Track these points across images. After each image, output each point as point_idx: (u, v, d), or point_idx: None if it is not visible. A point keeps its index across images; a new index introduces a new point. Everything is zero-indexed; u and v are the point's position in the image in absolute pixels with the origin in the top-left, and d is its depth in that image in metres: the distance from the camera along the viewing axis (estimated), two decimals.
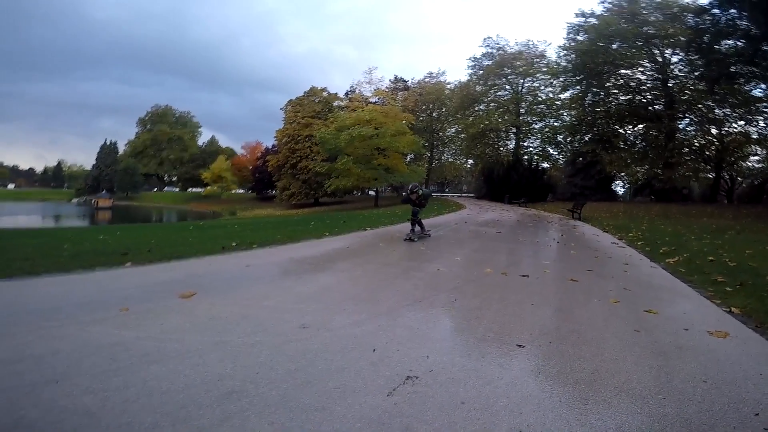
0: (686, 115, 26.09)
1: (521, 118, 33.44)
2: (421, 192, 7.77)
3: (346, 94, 39.21)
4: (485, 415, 1.70)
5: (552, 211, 19.73)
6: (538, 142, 34.64)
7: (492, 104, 34.53)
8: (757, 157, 25.90)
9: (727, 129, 25.19)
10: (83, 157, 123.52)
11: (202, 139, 77.82)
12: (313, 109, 36.97)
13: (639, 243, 8.25)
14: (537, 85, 33.41)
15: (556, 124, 33.20)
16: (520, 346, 2.50)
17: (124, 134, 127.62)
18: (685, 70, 25.00)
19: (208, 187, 56.59)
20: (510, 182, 29.43)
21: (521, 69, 32.63)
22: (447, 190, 51.57)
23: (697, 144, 26.40)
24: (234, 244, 6.27)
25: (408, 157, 34.46)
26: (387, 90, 37.24)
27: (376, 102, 31.78)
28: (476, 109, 34.59)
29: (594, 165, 27.49)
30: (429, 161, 40.98)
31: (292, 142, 36.05)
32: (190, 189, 71.13)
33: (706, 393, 1.96)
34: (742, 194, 27.75)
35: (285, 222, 12.35)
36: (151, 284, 3.71)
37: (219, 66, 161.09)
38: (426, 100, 38.95)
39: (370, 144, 25.43)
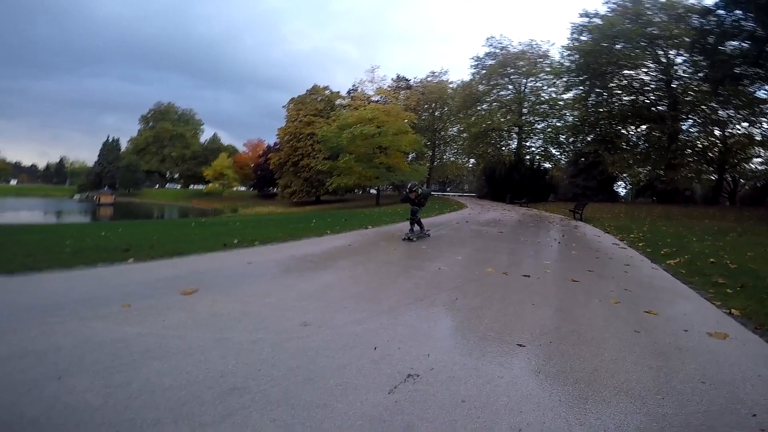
0: (689, 116, 26.02)
1: (524, 117, 33.40)
2: (420, 191, 7.68)
3: (349, 92, 39.27)
4: (485, 413, 1.71)
5: (553, 212, 19.71)
6: (540, 142, 34.65)
7: (494, 104, 34.50)
8: (760, 159, 25.86)
9: (730, 130, 25.14)
10: (86, 154, 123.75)
11: (205, 137, 78.25)
12: (315, 107, 36.99)
13: (640, 244, 8.24)
14: (540, 85, 33.38)
15: (558, 124, 33.19)
16: (520, 345, 2.51)
17: (126, 131, 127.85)
18: (689, 71, 24.91)
19: (210, 185, 56.73)
20: (512, 182, 29.41)
21: (524, 69, 32.59)
22: (448, 189, 51.55)
23: (700, 145, 26.33)
24: (236, 241, 6.28)
25: (410, 156, 34.46)
26: (389, 89, 37.27)
27: (378, 101, 31.82)
28: (478, 108, 34.55)
29: (596, 165, 27.45)
30: (431, 160, 41.00)
31: (294, 140, 36.09)
32: (191, 186, 71.32)
33: (704, 394, 1.97)
34: (744, 196, 27.68)
35: (286, 219, 12.37)
36: (152, 280, 3.72)
37: (222, 64, 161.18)
38: (428, 99, 38.95)
39: (371, 143, 25.45)
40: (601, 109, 28.96)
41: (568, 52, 29.66)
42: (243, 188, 63.24)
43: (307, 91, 38.80)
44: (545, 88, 33.23)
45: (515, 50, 33.06)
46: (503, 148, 35.88)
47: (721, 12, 19.66)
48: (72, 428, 1.49)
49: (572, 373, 2.14)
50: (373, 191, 36.32)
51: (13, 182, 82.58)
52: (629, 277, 4.96)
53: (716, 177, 26.62)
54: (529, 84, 33.55)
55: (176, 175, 76.68)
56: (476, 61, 34.82)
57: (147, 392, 1.75)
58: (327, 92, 38.52)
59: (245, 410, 1.65)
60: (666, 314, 3.37)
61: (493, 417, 1.69)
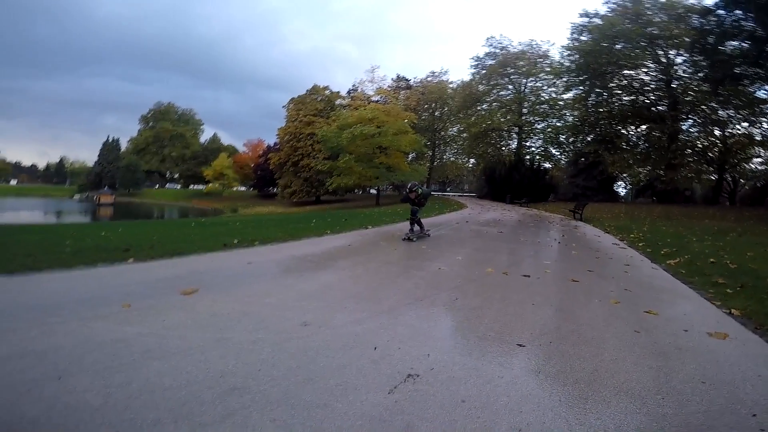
0: (690, 116, 26.03)
1: (524, 117, 33.42)
2: (420, 191, 7.64)
3: (349, 92, 39.28)
4: (485, 413, 1.71)
5: (553, 212, 19.72)
6: (540, 142, 34.67)
7: (494, 104, 34.52)
8: (760, 159, 25.87)
9: (730, 131, 25.14)
10: (86, 154, 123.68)
11: (205, 137, 78.30)
12: (315, 107, 37.00)
13: (640, 244, 8.24)
14: (540, 85, 33.40)
15: (558, 124, 33.21)
16: (520, 345, 2.51)
17: (126, 131, 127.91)
18: (689, 71, 24.92)
19: (210, 185, 56.75)
20: (512, 182, 29.42)
21: (524, 69, 32.61)
22: (448, 189, 51.56)
23: (700, 145, 26.34)
24: (235, 241, 6.28)
25: (410, 156, 34.47)
26: (389, 89, 37.29)
27: (378, 101, 31.81)
28: (478, 108, 34.57)
29: (596, 165, 27.46)
30: (431, 160, 41.00)
31: (294, 140, 36.10)
32: (191, 186, 71.34)
33: (704, 394, 1.97)
34: (744, 196, 27.68)
35: (286, 219, 12.37)
36: (152, 280, 3.72)
37: (222, 64, 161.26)
38: (428, 99, 38.96)
39: (371, 142, 25.45)
40: (601, 109, 28.96)
41: (568, 52, 29.70)
42: (243, 188, 63.25)
43: (307, 91, 38.81)
44: (545, 88, 33.26)
45: (515, 50, 33.09)
46: (503, 148, 35.90)
47: (721, 12, 19.68)
48: (72, 428, 1.49)
49: (572, 373, 2.14)
50: (373, 191, 36.33)
51: (13, 182, 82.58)
52: (629, 277, 4.96)
53: (716, 177, 26.63)
54: (529, 84, 33.58)
55: (176, 175, 76.70)
56: (476, 61, 34.88)
57: (147, 392, 1.75)
58: (327, 92, 38.53)
59: (245, 410, 1.65)
60: (666, 314, 3.37)
61: (493, 417, 1.69)
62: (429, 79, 40.27)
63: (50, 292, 3.21)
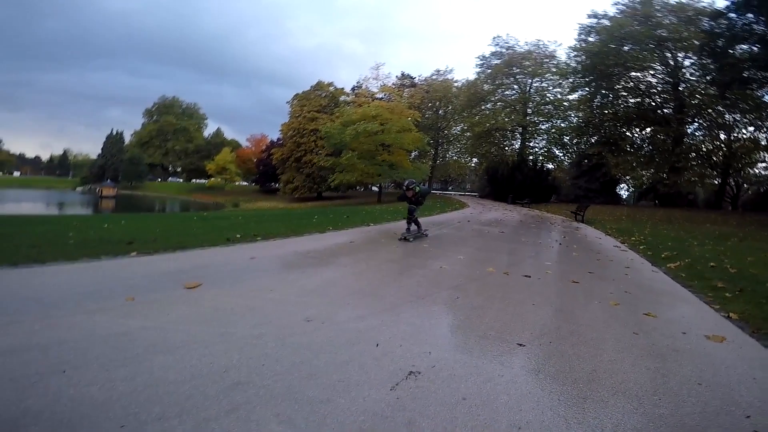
0: (695, 119, 25.93)
1: (528, 118, 33.32)
2: (418, 189, 7.35)
3: (353, 89, 39.11)
4: (486, 411, 1.74)
5: (555, 213, 19.70)
6: (543, 142, 34.63)
7: (499, 103, 34.45)
8: (764, 164, 25.78)
9: (735, 135, 25.03)
10: (90, 147, 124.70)
11: (208, 131, 78.28)
12: (319, 103, 36.94)
13: (641, 247, 8.24)
14: (545, 85, 33.31)
15: (563, 125, 33.15)
16: (520, 344, 2.53)
17: (131, 124, 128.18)
18: (697, 74, 24.81)
19: (212, 179, 56.75)
20: (514, 182, 29.39)
21: (530, 69, 32.51)
22: (450, 188, 51.51)
23: (704, 149, 26.24)
24: (238, 235, 6.31)
25: (412, 153, 34.42)
26: (393, 86, 37.05)
27: (382, 98, 31.69)
28: (483, 107, 34.50)
29: (599, 168, 27.40)
30: (433, 159, 40.92)
31: (297, 136, 36.08)
32: (194, 180, 71.42)
33: (700, 395, 2.00)
34: (747, 201, 27.60)
35: (288, 215, 12.40)
36: (156, 274, 3.74)
37: (227, 58, 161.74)
38: (432, 98, 38.85)
39: (375, 140, 25.40)
40: (606, 111, 28.87)
41: (575, 53, 29.61)
42: (245, 183, 63.26)
43: (312, 87, 38.75)
44: (551, 88, 33.17)
45: (522, 50, 32.98)
46: (506, 148, 35.85)
47: (732, 15, 19.50)
48: (76, 422, 1.49)
49: (571, 373, 2.17)
50: (375, 188, 36.29)
51: (16, 174, 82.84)
52: (629, 279, 4.97)
53: (719, 181, 26.53)
54: (535, 84, 33.48)
55: (179, 169, 76.81)
56: (482, 60, 34.82)
57: (151, 386, 1.75)
58: (331, 88, 38.42)
59: (249, 405, 1.66)
60: (665, 317, 3.39)
61: (493, 415, 1.71)
62: (434, 77, 40.20)
63: (54, 285, 3.21)
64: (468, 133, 37.29)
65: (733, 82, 20.13)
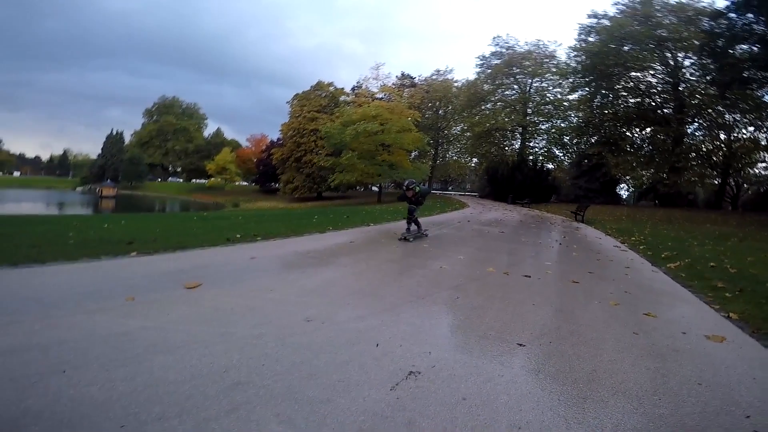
0: (695, 119, 25.93)
1: (528, 118, 33.33)
2: (418, 189, 7.34)
3: (353, 89, 39.09)
4: (486, 411, 1.74)
5: (555, 213, 19.70)
6: (543, 142, 34.64)
7: (499, 103, 34.45)
8: (764, 164, 25.79)
9: (735, 135, 25.03)
10: (90, 147, 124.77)
11: (208, 131, 78.29)
12: (319, 103, 36.93)
13: (641, 247, 8.24)
14: (545, 85, 33.32)
15: (562, 125, 33.16)
16: (520, 344, 2.53)
17: (131, 125, 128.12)
18: (697, 74, 24.81)
19: (212, 179, 56.76)
20: (514, 182, 29.40)
21: (530, 69, 32.52)
22: (450, 188, 51.51)
23: (704, 149, 26.25)
24: (238, 235, 6.31)
25: (412, 154, 34.41)
26: (393, 86, 37.05)
27: (382, 98, 31.68)
28: (483, 107, 34.51)
29: (599, 168, 27.40)
30: (433, 159, 40.92)
31: (297, 136, 36.08)
32: (193, 180, 71.41)
33: (700, 395, 2.00)
34: (747, 201, 27.61)
35: (288, 215, 12.40)
36: (156, 274, 3.74)
37: (227, 58, 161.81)
38: (432, 98, 38.84)
39: (375, 140, 25.40)
40: (606, 111, 28.88)
41: (575, 53, 29.63)
42: (245, 183, 63.25)
43: (312, 87, 38.74)
44: (551, 88, 33.18)
45: (522, 50, 32.99)
46: (506, 148, 35.85)
47: (732, 15, 19.49)
48: (76, 422, 1.48)
49: (571, 373, 2.17)
50: (375, 188, 36.29)
51: (16, 174, 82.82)
52: (629, 279, 4.98)
53: (719, 181, 26.54)
54: (535, 84, 33.49)
55: (179, 169, 76.80)
56: (482, 60, 34.83)
57: (151, 386, 1.75)
58: (331, 88, 38.41)
59: (249, 405, 1.66)
60: (665, 317, 3.39)
61: (493, 415, 1.71)
62: (434, 77, 40.21)
63: (54, 285, 3.20)
64: (468, 133, 37.29)
65: (733, 82, 20.12)
